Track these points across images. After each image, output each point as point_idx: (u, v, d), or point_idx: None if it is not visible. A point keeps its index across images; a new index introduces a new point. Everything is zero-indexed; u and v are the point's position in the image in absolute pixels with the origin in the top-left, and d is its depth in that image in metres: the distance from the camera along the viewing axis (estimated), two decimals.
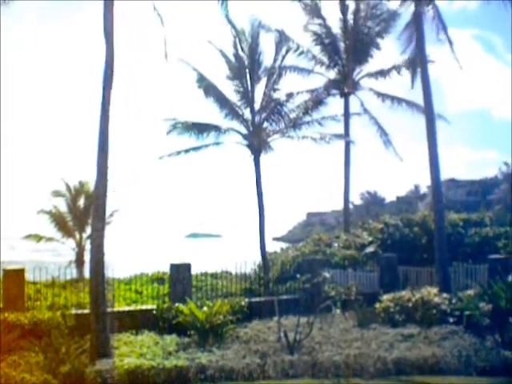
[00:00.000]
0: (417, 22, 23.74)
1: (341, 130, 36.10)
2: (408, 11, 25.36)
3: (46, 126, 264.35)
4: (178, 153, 28.78)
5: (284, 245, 57.34)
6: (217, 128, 28.97)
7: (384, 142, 38.96)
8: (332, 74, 38.66)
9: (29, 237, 38.79)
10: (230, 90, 29.56)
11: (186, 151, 28.87)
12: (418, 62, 24.55)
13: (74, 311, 18.68)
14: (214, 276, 24.51)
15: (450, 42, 24.66)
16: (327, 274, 21.69)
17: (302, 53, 37.54)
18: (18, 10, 18.57)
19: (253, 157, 28.88)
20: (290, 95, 30.82)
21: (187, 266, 21.47)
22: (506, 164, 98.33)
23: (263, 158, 29.12)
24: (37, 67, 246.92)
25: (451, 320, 18.36)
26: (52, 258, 47.81)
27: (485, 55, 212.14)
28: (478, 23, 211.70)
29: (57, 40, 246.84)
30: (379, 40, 37.68)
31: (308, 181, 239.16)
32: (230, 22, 29.16)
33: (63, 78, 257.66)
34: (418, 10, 23.77)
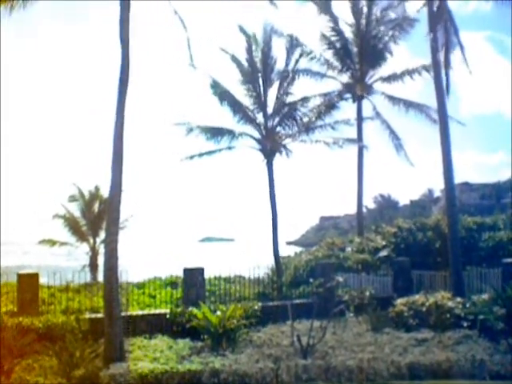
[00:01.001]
0: (430, 25, 23.70)
1: (354, 134, 36.05)
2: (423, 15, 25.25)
3: (61, 131, 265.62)
4: (192, 157, 28.87)
5: (297, 249, 57.33)
6: (230, 132, 29.02)
7: (396, 146, 38.83)
8: (345, 78, 38.62)
9: (43, 241, 39.10)
10: (242, 94, 29.63)
11: (200, 155, 28.94)
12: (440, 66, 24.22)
13: (87, 315, 18.74)
14: (228, 280, 24.49)
15: (462, 47, 24.57)
16: (340, 278, 21.68)
17: (314, 57, 37.47)
18: (36, 11, 18.65)
19: (266, 161, 28.91)
20: (302, 99, 30.83)
21: (200, 271, 21.50)
22: None
23: (276, 162, 29.16)
24: (52, 71, 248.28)
25: (465, 324, 18.33)
26: (67, 262, 47.99)
27: (497, 57, 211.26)
28: (490, 25, 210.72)
29: (73, 44, 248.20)
30: (392, 44, 37.58)
31: (321, 185, 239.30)
32: (241, 27, 29.30)
33: (78, 82, 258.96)
34: (431, 14, 23.75)
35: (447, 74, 23.73)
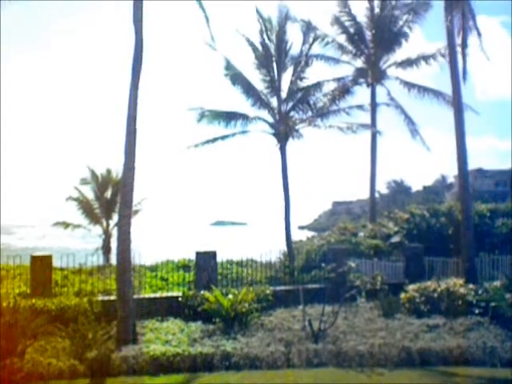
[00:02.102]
0: (446, 8, 23.47)
1: (368, 119, 35.96)
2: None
3: (75, 115, 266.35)
4: (205, 142, 28.86)
5: (309, 233, 57.32)
6: (244, 116, 29.01)
7: (411, 131, 38.69)
8: (359, 63, 38.47)
9: (57, 224, 39.30)
10: (256, 78, 29.61)
11: (214, 140, 28.94)
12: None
13: (100, 298, 18.85)
14: (240, 264, 24.53)
15: (478, 32, 24.32)
16: (352, 264, 21.64)
17: (328, 42, 37.39)
18: None
19: (279, 145, 28.88)
20: (316, 84, 30.75)
21: (213, 254, 21.55)
22: None
23: (289, 146, 29.14)
24: (67, 55, 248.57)
25: (477, 311, 18.29)
26: (82, 245, 48.25)
27: None
28: (507, 10, 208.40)
29: (87, 27, 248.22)
30: (406, 29, 37.33)
31: (334, 169, 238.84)
32: (257, 10, 29.21)
33: (93, 65, 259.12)
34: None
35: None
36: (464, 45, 23.45)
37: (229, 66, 28.88)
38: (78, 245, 49.29)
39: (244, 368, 14.45)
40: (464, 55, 23.38)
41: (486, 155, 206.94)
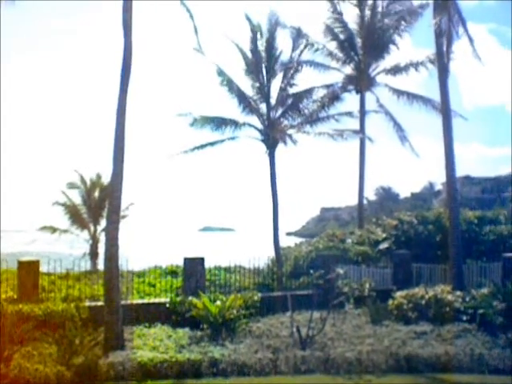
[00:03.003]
0: (434, 16, 23.57)
1: (356, 126, 35.98)
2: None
3: (63, 119, 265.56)
4: (194, 149, 28.80)
5: (297, 240, 57.23)
6: (233, 122, 28.95)
7: (400, 137, 38.65)
8: (348, 70, 38.49)
9: (44, 228, 39.09)
10: (246, 84, 29.57)
11: (203, 146, 28.88)
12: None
13: (87, 303, 18.78)
14: (228, 270, 24.49)
15: (471, 39, 24.43)
16: (341, 270, 21.66)
17: (318, 49, 37.35)
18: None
19: (268, 151, 28.87)
20: (306, 91, 30.78)
21: (201, 260, 21.52)
22: None
23: (278, 152, 29.12)
24: (54, 58, 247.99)
25: (464, 318, 18.35)
26: (68, 250, 48.03)
27: (502, 50, 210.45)
28: (495, 17, 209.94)
29: (76, 31, 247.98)
30: (396, 36, 37.42)
31: (323, 176, 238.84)
32: (247, 16, 29.23)
33: (81, 69, 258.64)
34: (437, 4, 23.64)
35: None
36: (440, 52, 23.53)
37: (219, 72, 28.85)
38: (66, 250, 49.05)
39: (232, 375, 14.45)
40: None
41: (474, 162, 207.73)
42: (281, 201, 28.69)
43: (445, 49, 23.69)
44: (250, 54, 29.26)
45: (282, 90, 29.48)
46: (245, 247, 60.41)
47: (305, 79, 32.67)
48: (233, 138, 29.12)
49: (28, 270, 18.97)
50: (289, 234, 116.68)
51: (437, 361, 15.20)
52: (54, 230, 39.25)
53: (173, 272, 25.69)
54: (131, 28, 16.81)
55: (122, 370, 14.10)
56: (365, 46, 37.46)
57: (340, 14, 37.46)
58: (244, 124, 29.19)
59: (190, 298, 19.21)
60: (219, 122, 28.75)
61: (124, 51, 16.73)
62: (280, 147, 29.13)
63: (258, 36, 29.15)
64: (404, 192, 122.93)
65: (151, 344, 16.01)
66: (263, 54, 29.13)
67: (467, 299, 19.18)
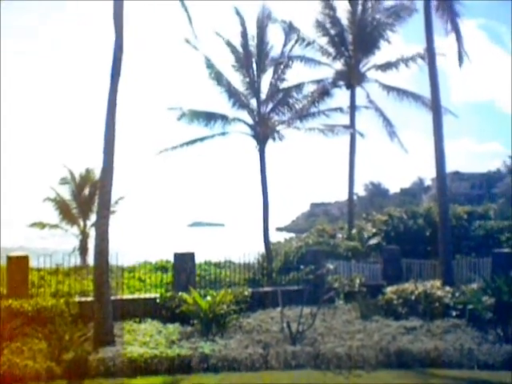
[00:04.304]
0: (425, 12, 23.59)
1: (347, 121, 36.03)
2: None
3: (53, 115, 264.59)
4: (183, 144, 28.78)
5: (287, 235, 57.42)
6: (223, 117, 28.97)
7: (389, 133, 38.79)
8: (338, 65, 38.53)
9: (34, 224, 38.99)
10: (236, 79, 29.59)
11: (193, 142, 28.86)
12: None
13: (77, 299, 18.72)
14: (218, 265, 24.51)
15: (460, 36, 24.49)
16: (331, 266, 21.73)
17: (308, 44, 37.39)
18: None
19: (258, 147, 28.87)
20: (296, 86, 30.78)
21: (191, 255, 21.47)
22: (510, 157, 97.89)
23: (268, 148, 29.14)
24: (45, 54, 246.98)
25: (454, 313, 18.40)
26: (59, 245, 47.93)
27: (491, 46, 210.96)
28: (484, 13, 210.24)
29: (66, 28, 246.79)
30: (388, 32, 37.43)
31: (312, 171, 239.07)
32: (237, 10, 29.19)
33: (71, 65, 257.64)
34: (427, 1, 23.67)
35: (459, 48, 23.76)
36: (430, 47, 23.58)
37: (208, 65, 28.83)
38: (56, 245, 48.95)
39: (222, 370, 14.41)
40: (430, 59, 23.53)
41: (463, 158, 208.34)
42: (271, 196, 28.80)
43: (435, 45, 23.75)
44: (240, 49, 29.26)
45: (273, 85, 29.51)
46: (235, 242, 60.40)
47: (295, 74, 32.77)
48: (223, 134, 29.15)
49: (17, 265, 18.87)
50: (279, 229, 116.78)
51: (426, 356, 15.20)
52: (43, 225, 39.16)
53: (163, 267, 25.69)
54: (122, 21, 16.72)
55: (112, 365, 14.04)
56: (355, 42, 37.53)
57: (331, 9, 37.46)
58: (234, 119, 29.23)
59: (180, 293, 19.16)
60: (209, 117, 28.77)
61: (115, 44, 16.64)
62: (270, 142, 29.22)
63: (248, 31, 29.12)
64: (394, 187, 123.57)
65: (141, 339, 15.97)
66: (254, 49, 29.12)
67: (457, 294, 19.23)
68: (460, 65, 24.67)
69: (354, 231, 33.51)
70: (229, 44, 29.25)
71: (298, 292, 20.58)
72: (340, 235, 33.49)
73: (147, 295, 20.31)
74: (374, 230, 31.40)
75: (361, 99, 38.80)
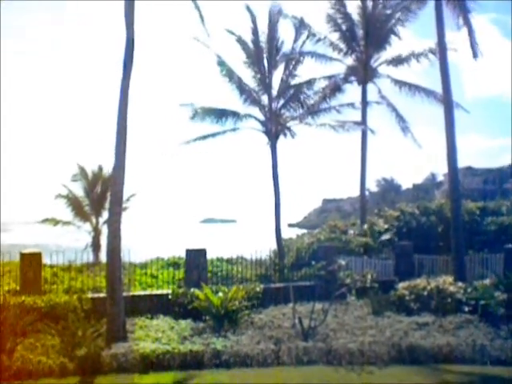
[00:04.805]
0: (436, 7, 23.52)
1: (358, 117, 35.92)
2: None
3: (66, 112, 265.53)
4: (195, 140, 28.79)
5: (299, 231, 57.30)
6: (235, 114, 28.94)
7: (402, 128, 38.61)
8: (350, 61, 38.43)
9: (46, 221, 39.10)
10: (248, 75, 29.55)
11: (204, 137, 28.87)
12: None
13: (90, 295, 18.77)
14: (230, 261, 24.53)
15: (472, 31, 24.40)
16: (342, 261, 21.69)
17: (319, 39, 37.30)
18: None
19: (270, 143, 28.85)
20: (307, 82, 30.72)
21: (203, 252, 21.52)
22: None
23: (280, 144, 29.11)
24: (57, 51, 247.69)
25: (466, 309, 18.35)
26: (72, 242, 48.11)
27: (503, 40, 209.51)
28: (495, 8, 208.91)
29: (78, 23, 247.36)
30: (399, 27, 37.30)
31: (324, 167, 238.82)
32: (248, 7, 29.15)
33: (83, 61, 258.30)
34: None
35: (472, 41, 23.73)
36: (441, 42, 23.48)
37: (220, 62, 28.82)
38: (70, 242, 49.15)
39: (234, 366, 14.45)
40: (442, 54, 23.45)
41: (475, 153, 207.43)
42: (283, 192, 28.73)
43: (446, 39, 23.68)
44: (251, 45, 29.21)
45: (284, 81, 29.45)
46: (247, 239, 60.48)
47: (306, 70, 32.67)
48: (234, 130, 29.13)
49: (30, 261, 18.97)
50: (291, 225, 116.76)
51: (439, 352, 15.20)
52: (56, 222, 39.27)
53: (175, 263, 25.70)
54: (133, 18, 16.75)
55: (124, 361, 14.10)
56: (367, 37, 37.38)
57: (342, 4, 37.35)
58: (245, 115, 29.19)
59: (192, 289, 19.21)
60: (221, 114, 28.76)
61: (126, 42, 16.66)
62: (282, 138, 29.18)
63: (259, 27, 29.09)
64: (406, 183, 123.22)
65: (154, 335, 16.02)
66: (265, 45, 29.09)
67: (469, 290, 19.19)
68: (475, 57, 24.56)
69: (365, 226, 33.44)
70: (240, 41, 29.22)
71: (310, 288, 20.60)
72: (352, 231, 33.41)
73: (159, 291, 20.35)
74: (386, 226, 31.32)
75: (372, 95, 38.73)
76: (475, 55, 24.69)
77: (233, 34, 29.21)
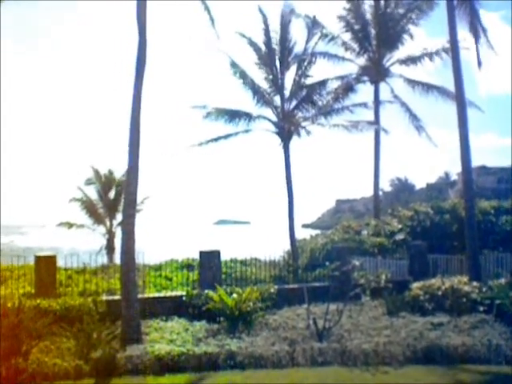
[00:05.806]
0: (448, 6, 23.44)
1: (371, 117, 35.85)
2: None
3: (79, 115, 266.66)
4: (208, 141, 28.83)
5: (313, 232, 57.20)
6: (247, 115, 28.96)
7: (417, 127, 38.48)
8: (362, 61, 38.38)
9: (61, 224, 39.38)
10: (260, 76, 29.58)
11: (217, 139, 28.90)
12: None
13: (105, 297, 18.85)
14: (244, 263, 24.53)
15: (484, 30, 24.34)
16: (357, 262, 21.66)
17: (331, 39, 37.29)
18: None
19: (282, 144, 28.85)
20: (320, 82, 30.71)
21: (217, 253, 21.54)
22: None
23: (293, 144, 29.11)
24: (70, 54, 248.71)
25: (481, 309, 18.27)
26: (87, 244, 48.38)
27: None
28: (507, 4, 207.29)
29: (92, 26, 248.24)
30: (411, 26, 37.22)
31: (338, 167, 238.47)
32: (260, 8, 29.18)
33: (96, 65, 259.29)
34: None
35: (477, 50, 23.71)
36: (454, 41, 23.41)
37: (232, 64, 28.86)
38: (84, 245, 49.44)
39: (249, 367, 14.44)
40: (454, 53, 23.39)
41: (489, 152, 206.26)
42: (296, 193, 28.76)
43: (458, 38, 23.61)
44: (263, 46, 29.23)
45: (296, 81, 29.45)
46: (260, 240, 60.42)
47: (319, 70, 32.65)
48: (247, 131, 29.17)
49: (45, 264, 19.06)
50: (304, 226, 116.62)
51: (454, 352, 15.15)
52: (70, 225, 39.57)
53: (189, 265, 25.72)
54: (145, 21, 16.82)
55: (139, 363, 14.14)
56: (379, 37, 37.32)
57: (354, 4, 37.29)
58: (258, 116, 29.22)
59: (206, 291, 19.24)
60: (233, 115, 28.79)
61: (139, 47, 16.75)
62: (294, 139, 29.18)
63: (271, 28, 29.10)
64: (419, 183, 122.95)
65: (168, 337, 16.06)
66: (277, 46, 29.11)
67: (484, 290, 19.11)
68: (479, 66, 24.64)
69: (373, 223, 33.34)
70: (252, 42, 29.24)
71: (324, 289, 20.56)
72: (365, 231, 33.33)
73: (173, 293, 20.39)
74: (399, 226, 31.23)
75: (385, 94, 38.65)
76: (479, 64, 24.75)
77: (244, 36, 29.27)
